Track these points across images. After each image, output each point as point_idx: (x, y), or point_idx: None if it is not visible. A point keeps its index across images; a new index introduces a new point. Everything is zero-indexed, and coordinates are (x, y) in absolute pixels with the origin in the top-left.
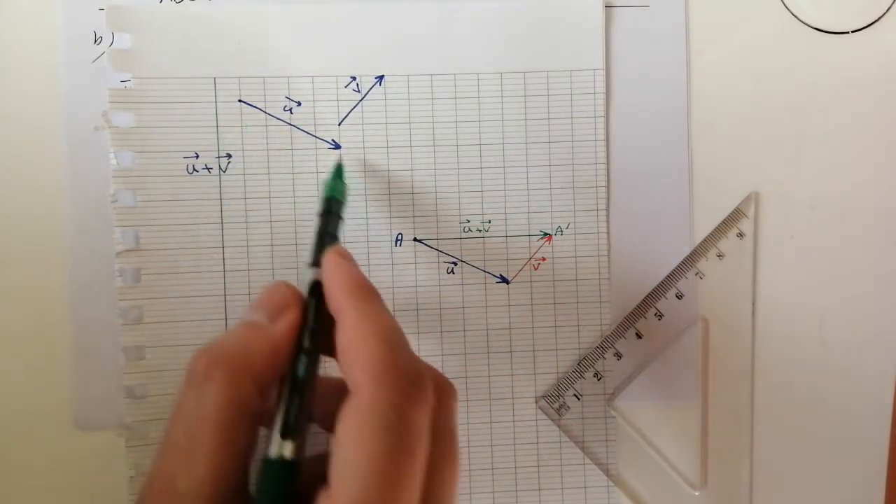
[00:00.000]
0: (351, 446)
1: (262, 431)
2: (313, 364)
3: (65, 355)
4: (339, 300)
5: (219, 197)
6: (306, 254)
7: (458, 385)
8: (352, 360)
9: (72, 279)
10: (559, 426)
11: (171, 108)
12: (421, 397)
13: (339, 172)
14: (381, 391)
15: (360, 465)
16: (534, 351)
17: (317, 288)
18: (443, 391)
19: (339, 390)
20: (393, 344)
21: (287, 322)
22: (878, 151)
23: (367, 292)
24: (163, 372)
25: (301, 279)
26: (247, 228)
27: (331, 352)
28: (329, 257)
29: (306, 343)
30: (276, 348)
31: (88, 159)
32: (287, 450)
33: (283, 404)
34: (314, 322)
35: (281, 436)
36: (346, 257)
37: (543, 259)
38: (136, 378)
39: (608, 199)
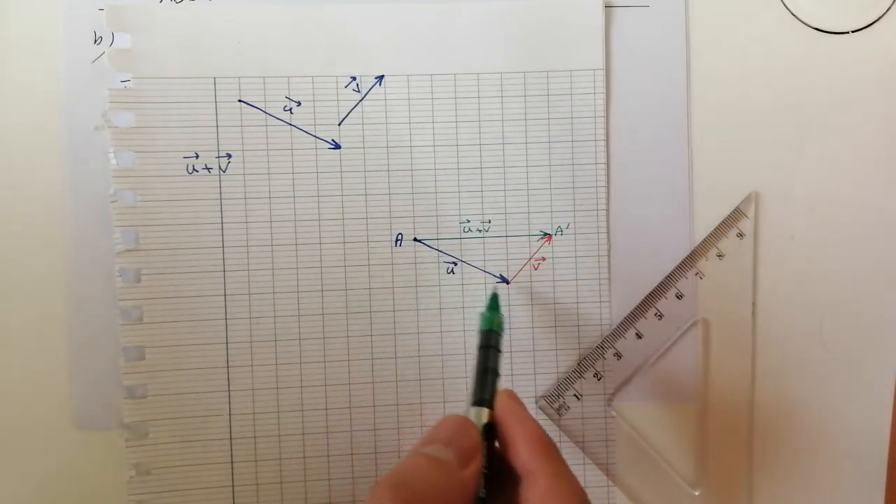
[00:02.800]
0: None
1: None
2: None
3: (64, 355)
4: (528, 459)
5: (219, 197)
6: (306, 254)
7: (457, 386)
8: None
9: (72, 279)
10: (559, 426)
11: (171, 108)
12: None
13: (494, 303)
14: None
15: None
16: (534, 351)
17: (489, 431)
18: None
19: None
20: None
21: (476, 468)
22: (879, 151)
23: (554, 450)
24: (163, 372)
25: (467, 413)
26: (247, 228)
27: (494, 495)
28: (507, 405)
29: (482, 492)
30: (467, 496)
31: (88, 159)
32: None
33: None
34: (489, 468)
35: None
36: (521, 404)
37: (543, 259)
38: (136, 378)
39: (608, 199)
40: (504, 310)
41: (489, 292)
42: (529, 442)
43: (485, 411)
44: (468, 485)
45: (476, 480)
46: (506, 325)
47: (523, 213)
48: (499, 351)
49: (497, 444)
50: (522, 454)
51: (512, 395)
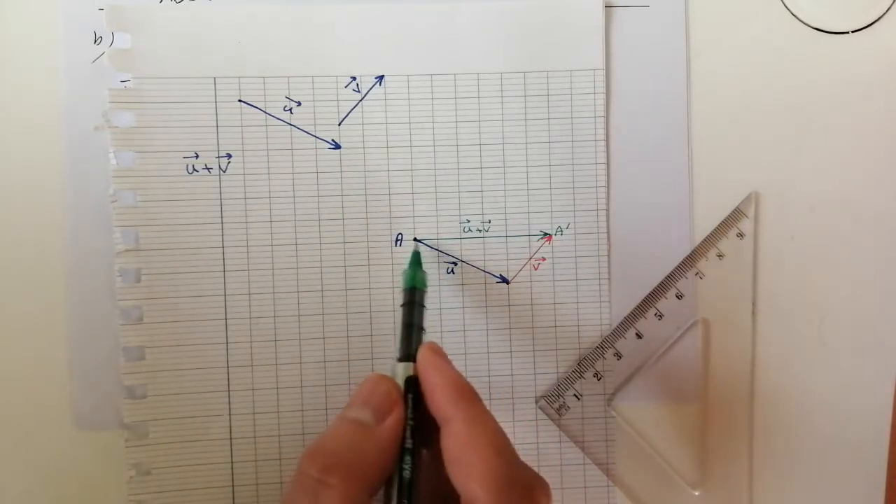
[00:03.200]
0: None
1: None
2: (417, 463)
3: (64, 355)
4: (444, 407)
5: (219, 197)
6: (306, 254)
7: None
8: (467, 472)
9: (72, 279)
10: (559, 426)
11: (171, 108)
12: None
13: (417, 260)
14: None
15: None
16: (534, 351)
17: (412, 384)
18: (546, 496)
19: (443, 489)
20: (507, 454)
21: (393, 422)
22: (878, 151)
23: (471, 397)
24: (163, 372)
25: (393, 371)
26: (247, 228)
27: (426, 446)
28: (426, 357)
29: (408, 443)
30: (385, 450)
31: (88, 159)
32: None
33: None
34: (414, 420)
35: None
36: (442, 355)
37: (543, 259)
38: (136, 378)
39: (608, 199)
40: (504, 309)
41: (412, 251)
42: (446, 390)
43: (410, 366)
44: (385, 440)
45: (393, 434)
46: (427, 282)
47: (523, 213)
48: (423, 307)
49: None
50: (440, 402)
51: (433, 347)
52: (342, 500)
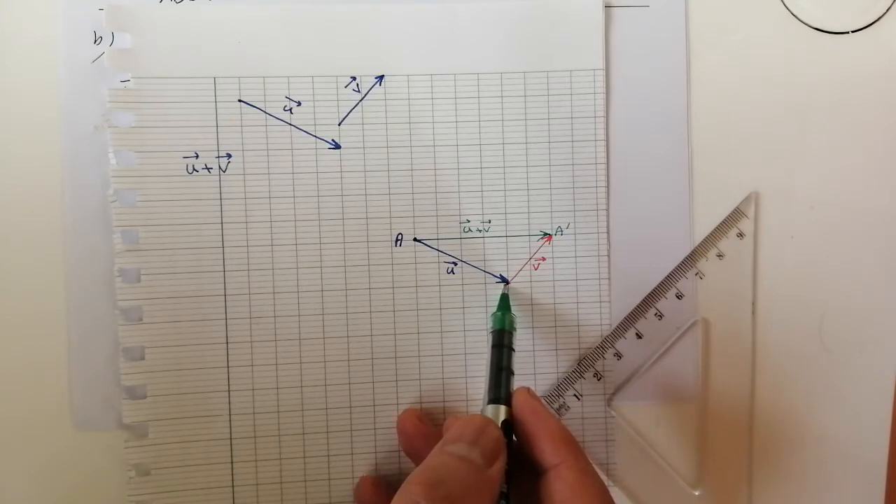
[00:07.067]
0: None
1: None
2: None
3: (64, 356)
4: (552, 454)
5: (219, 197)
6: (306, 254)
7: (457, 385)
8: None
9: (71, 279)
10: None
11: (171, 107)
12: None
13: (505, 303)
14: None
15: None
16: (534, 351)
17: (507, 428)
18: None
19: None
20: None
21: (500, 466)
22: (878, 151)
23: (577, 446)
24: (163, 372)
25: (482, 413)
26: (247, 228)
27: (512, 488)
28: (527, 402)
29: (504, 486)
30: (493, 494)
31: (88, 159)
32: None
33: None
34: (507, 464)
35: None
36: (538, 399)
37: (543, 259)
38: (136, 378)
39: (608, 199)
40: None
41: (499, 293)
42: (553, 438)
43: (502, 409)
44: (494, 483)
45: (501, 478)
46: (517, 325)
47: (523, 213)
48: (512, 350)
49: (515, 439)
50: (547, 450)
51: (530, 392)
52: None
